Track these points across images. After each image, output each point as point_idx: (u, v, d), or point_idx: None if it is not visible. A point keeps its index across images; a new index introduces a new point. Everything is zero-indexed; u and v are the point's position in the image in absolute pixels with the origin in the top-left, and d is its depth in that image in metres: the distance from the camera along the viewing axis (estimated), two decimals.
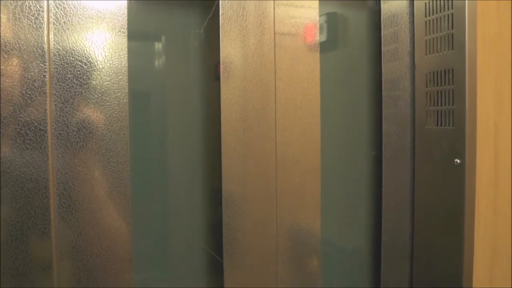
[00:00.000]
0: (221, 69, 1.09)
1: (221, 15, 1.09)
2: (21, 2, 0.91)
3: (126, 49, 1.00)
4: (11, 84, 0.90)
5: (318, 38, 1.21)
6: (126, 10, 1.00)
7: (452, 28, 1.21)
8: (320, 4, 1.22)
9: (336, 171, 1.37)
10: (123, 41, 1.00)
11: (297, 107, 1.19)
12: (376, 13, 1.37)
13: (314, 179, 1.22)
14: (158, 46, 1.22)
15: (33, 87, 0.92)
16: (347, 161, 1.39)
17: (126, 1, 1.00)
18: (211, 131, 1.19)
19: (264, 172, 1.16)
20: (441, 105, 1.24)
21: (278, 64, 1.16)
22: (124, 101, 1.00)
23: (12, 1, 0.90)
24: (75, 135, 0.97)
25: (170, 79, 1.21)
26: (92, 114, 0.99)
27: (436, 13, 1.25)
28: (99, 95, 0.99)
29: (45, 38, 0.93)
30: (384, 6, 1.34)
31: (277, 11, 1.16)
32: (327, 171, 1.25)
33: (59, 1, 0.95)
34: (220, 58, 1.09)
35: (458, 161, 1.18)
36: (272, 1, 1.16)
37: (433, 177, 1.27)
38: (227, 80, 1.11)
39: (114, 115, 1.00)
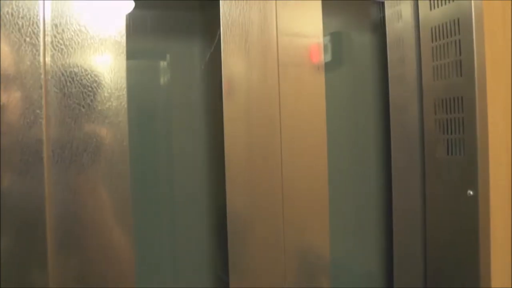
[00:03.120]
0: (224, 106, 1.06)
1: (223, 50, 1.06)
2: (17, 24, 0.88)
3: (125, 71, 0.98)
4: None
5: (323, 68, 1.17)
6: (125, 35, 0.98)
7: (460, 55, 1.17)
8: (324, 32, 1.19)
9: (345, 199, 1.33)
10: (122, 64, 0.98)
11: (303, 139, 1.15)
12: (382, 36, 1.33)
13: (322, 210, 1.18)
14: (160, 74, 1.19)
15: (30, 111, 0.89)
16: (356, 189, 1.36)
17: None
18: (214, 153, 1.17)
19: (269, 208, 1.13)
20: (451, 134, 1.20)
21: (282, 96, 1.13)
22: (124, 123, 0.97)
23: (8, 24, 0.88)
24: (74, 158, 0.94)
25: (172, 106, 1.18)
26: (93, 136, 0.96)
27: (443, 39, 1.22)
28: (98, 115, 0.96)
29: (41, 60, 0.91)
30: (389, 30, 1.30)
31: (280, 42, 1.13)
32: (335, 202, 1.22)
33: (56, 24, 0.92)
34: (222, 93, 1.06)
35: (471, 192, 1.14)
36: (275, 32, 1.13)
37: (445, 208, 1.23)
38: (230, 115, 1.07)
39: (114, 139, 0.97)
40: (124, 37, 0.98)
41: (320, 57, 1.17)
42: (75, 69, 0.94)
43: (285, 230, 1.14)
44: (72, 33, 0.94)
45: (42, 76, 0.90)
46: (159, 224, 1.19)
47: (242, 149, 1.09)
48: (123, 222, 0.98)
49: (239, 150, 1.09)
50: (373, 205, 1.36)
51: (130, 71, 0.99)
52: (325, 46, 1.25)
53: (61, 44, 0.93)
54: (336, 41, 1.33)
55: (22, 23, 0.89)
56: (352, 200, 1.35)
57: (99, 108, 0.96)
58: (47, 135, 0.91)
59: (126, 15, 0.99)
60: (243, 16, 1.09)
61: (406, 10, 1.31)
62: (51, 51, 0.92)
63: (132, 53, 1.05)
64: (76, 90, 0.94)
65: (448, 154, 1.21)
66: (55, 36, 0.92)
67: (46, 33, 0.91)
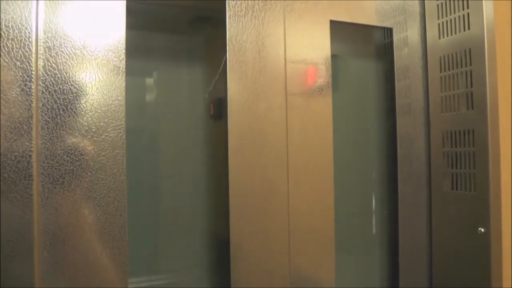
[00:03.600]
0: (228, 138, 0.98)
1: (228, 79, 0.99)
2: (6, 46, 0.79)
3: (124, 99, 0.89)
4: None
5: (330, 96, 1.12)
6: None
7: (471, 86, 1.13)
8: (332, 58, 1.13)
9: (351, 233, 1.27)
10: (121, 91, 0.89)
11: (310, 172, 1.09)
12: (390, 63, 1.28)
13: (328, 243, 1.12)
14: (161, 100, 1.11)
15: (19, 144, 0.80)
16: (362, 223, 1.30)
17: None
18: (218, 186, 1.09)
19: (275, 241, 1.06)
20: (461, 168, 1.16)
21: (290, 128, 1.06)
22: (121, 155, 0.89)
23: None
24: (67, 194, 0.85)
25: (173, 134, 1.10)
26: (88, 170, 0.87)
27: (453, 69, 1.18)
28: (94, 147, 0.87)
29: (33, 86, 0.82)
30: (397, 57, 1.25)
31: (288, 69, 1.07)
32: (341, 236, 1.16)
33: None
34: (228, 125, 0.99)
35: (482, 230, 1.10)
36: (284, 59, 1.06)
37: (453, 244, 1.18)
38: (235, 147, 1.00)
39: (111, 174, 0.89)
40: (124, 61, 0.90)
41: (328, 84, 1.12)
42: (69, 96, 0.86)
43: (290, 263, 1.07)
44: (67, 57, 0.86)
45: (34, 104, 0.81)
46: (156, 255, 1.10)
47: (246, 182, 1.02)
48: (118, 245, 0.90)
49: (244, 183, 1.01)
50: (379, 240, 1.31)
51: (128, 97, 0.91)
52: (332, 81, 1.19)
53: (54, 69, 0.84)
54: (342, 68, 1.27)
55: (13, 45, 0.80)
56: (358, 234, 1.29)
57: (95, 139, 0.88)
58: (37, 170, 0.81)
59: (126, 38, 0.91)
60: (250, 42, 1.02)
61: (413, 36, 1.27)
62: (44, 76, 0.83)
63: (131, 78, 0.97)
64: (70, 120, 0.86)
65: (456, 189, 1.17)
66: (48, 60, 0.84)
67: (38, 56, 0.83)
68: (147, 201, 1.07)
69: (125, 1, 0.90)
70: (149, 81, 1.11)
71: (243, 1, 1.02)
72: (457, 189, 1.17)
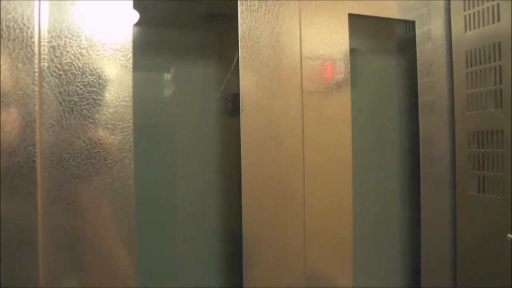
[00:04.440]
0: (241, 140, 0.94)
1: (241, 77, 0.95)
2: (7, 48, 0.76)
3: (131, 100, 0.86)
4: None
5: (349, 94, 1.06)
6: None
7: (500, 83, 1.06)
8: (350, 54, 1.08)
9: (370, 237, 1.22)
10: (129, 91, 0.86)
11: (328, 174, 1.04)
12: (412, 58, 1.21)
13: (346, 250, 1.07)
14: (172, 99, 1.07)
15: (21, 148, 0.77)
16: (382, 227, 1.24)
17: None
18: (231, 189, 1.05)
19: (291, 249, 1.01)
20: (488, 170, 1.09)
21: (306, 127, 1.01)
22: (129, 158, 0.86)
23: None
24: (73, 199, 0.82)
25: (184, 135, 1.06)
26: (94, 175, 0.84)
27: (480, 64, 1.11)
28: (100, 150, 0.84)
29: (37, 89, 0.78)
30: (419, 52, 1.18)
31: (304, 66, 1.02)
32: (360, 240, 1.11)
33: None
34: (240, 126, 0.94)
35: (511, 236, 1.03)
36: (299, 56, 1.01)
37: (478, 250, 1.12)
38: (248, 150, 0.96)
39: (118, 178, 0.85)
40: (131, 61, 0.87)
41: (346, 81, 1.06)
42: (74, 98, 0.82)
43: (306, 268, 1.02)
44: (72, 57, 0.82)
45: (37, 107, 0.78)
46: (165, 259, 1.07)
47: (260, 183, 0.97)
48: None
49: (257, 184, 0.97)
50: (400, 244, 1.25)
51: (136, 96, 0.88)
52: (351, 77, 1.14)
53: (59, 70, 0.81)
54: (362, 63, 1.21)
55: (14, 46, 0.77)
56: (377, 239, 1.24)
57: (102, 142, 0.84)
58: (41, 176, 0.78)
59: (134, 36, 0.87)
60: (264, 38, 0.97)
61: (437, 30, 1.20)
62: (48, 77, 0.80)
63: (139, 77, 0.94)
64: (76, 122, 0.82)
65: (483, 192, 1.10)
66: (52, 61, 0.80)
67: (41, 57, 0.79)
68: (158, 200, 1.04)
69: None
70: (162, 77, 1.07)
71: None
72: (484, 193, 1.10)
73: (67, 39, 0.82)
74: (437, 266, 1.17)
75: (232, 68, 0.99)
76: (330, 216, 1.04)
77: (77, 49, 0.83)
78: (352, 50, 1.09)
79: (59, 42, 0.81)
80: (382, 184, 1.23)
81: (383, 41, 1.26)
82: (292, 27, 1.01)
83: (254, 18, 0.97)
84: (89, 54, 0.84)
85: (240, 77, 0.95)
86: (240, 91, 0.95)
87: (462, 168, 1.16)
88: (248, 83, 0.95)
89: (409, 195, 1.23)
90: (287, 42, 1.00)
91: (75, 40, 0.83)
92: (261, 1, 0.97)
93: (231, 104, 1.03)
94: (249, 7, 0.96)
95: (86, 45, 0.83)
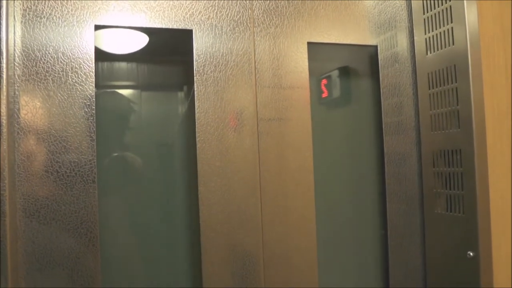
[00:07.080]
0: (198, 169, 1.01)
1: (196, 109, 1.02)
2: None
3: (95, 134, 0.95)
4: None
5: (309, 119, 1.12)
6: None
7: (457, 104, 1.09)
8: (310, 78, 1.13)
9: (336, 258, 1.25)
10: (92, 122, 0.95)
11: (287, 199, 1.09)
12: (376, 80, 1.24)
13: (311, 271, 1.11)
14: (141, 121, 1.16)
15: None
16: (350, 244, 1.27)
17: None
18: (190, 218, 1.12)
19: (249, 274, 1.07)
20: (451, 189, 1.11)
21: (262, 154, 1.07)
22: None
23: None
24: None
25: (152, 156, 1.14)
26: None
27: (440, 86, 1.14)
28: (66, 169, 0.93)
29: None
30: (383, 75, 1.22)
31: (259, 96, 1.08)
32: (326, 262, 1.15)
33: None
34: (197, 156, 1.01)
35: (471, 253, 1.05)
36: (255, 88, 1.08)
37: (445, 268, 1.13)
38: (205, 182, 1.03)
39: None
40: (94, 95, 0.96)
41: (306, 108, 1.12)
42: (43, 136, 0.92)
43: None
44: (40, 104, 0.92)
45: (5, 147, 0.88)
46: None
47: (217, 214, 1.04)
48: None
49: (215, 215, 1.03)
50: (369, 264, 1.27)
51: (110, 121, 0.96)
52: (314, 93, 1.19)
53: (31, 113, 0.91)
54: (328, 87, 1.26)
55: None
56: (345, 259, 1.27)
57: (68, 174, 0.94)
58: (10, 206, 0.88)
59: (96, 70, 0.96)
60: (218, 72, 1.04)
61: (403, 52, 1.23)
62: (18, 118, 0.90)
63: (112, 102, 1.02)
64: (44, 158, 0.92)
65: (447, 210, 1.12)
66: (22, 105, 0.90)
67: (9, 100, 0.90)
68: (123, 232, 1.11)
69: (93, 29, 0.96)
70: (130, 104, 1.14)
71: (210, 32, 1.04)
72: (450, 211, 1.12)
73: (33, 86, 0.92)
74: (406, 284, 1.19)
75: (189, 101, 1.06)
76: (292, 239, 1.09)
77: (45, 92, 0.93)
78: (320, 74, 1.14)
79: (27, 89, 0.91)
80: (351, 204, 1.27)
81: (349, 64, 1.30)
82: (248, 58, 1.07)
83: (208, 54, 1.04)
84: (56, 95, 0.93)
85: (195, 109, 1.02)
86: (196, 123, 1.02)
87: (429, 187, 1.18)
88: (203, 115, 1.03)
89: (377, 214, 1.25)
90: (241, 73, 1.06)
91: (40, 87, 0.92)
92: (215, 38, 1.04)
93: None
94: (204, 43, 1.04)
95: (53, 87, 0.93)
